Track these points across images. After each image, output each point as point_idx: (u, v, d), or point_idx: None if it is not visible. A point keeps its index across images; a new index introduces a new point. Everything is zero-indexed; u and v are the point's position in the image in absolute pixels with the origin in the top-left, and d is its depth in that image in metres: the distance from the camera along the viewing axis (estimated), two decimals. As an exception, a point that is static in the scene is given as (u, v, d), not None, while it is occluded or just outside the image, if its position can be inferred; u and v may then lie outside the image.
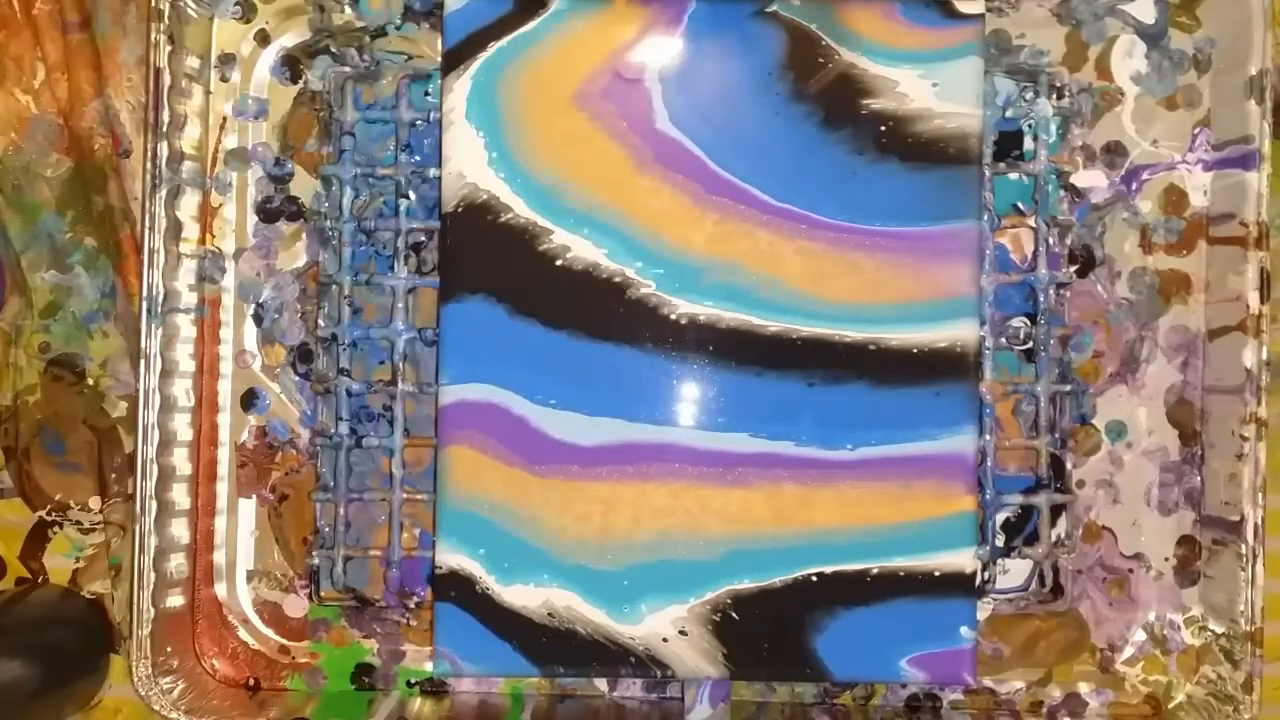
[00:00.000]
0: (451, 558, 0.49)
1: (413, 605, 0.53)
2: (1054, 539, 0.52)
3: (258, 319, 0.54)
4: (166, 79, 0.51)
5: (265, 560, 0.54)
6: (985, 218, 0.50)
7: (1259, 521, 0.50)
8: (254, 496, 0.54)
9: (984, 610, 0.52)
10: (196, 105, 0.53)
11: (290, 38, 0.54)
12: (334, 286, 0.52)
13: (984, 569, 0.50)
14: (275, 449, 0.54)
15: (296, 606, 0.54)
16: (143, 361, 0.51)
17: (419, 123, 0.52)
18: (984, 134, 0.50)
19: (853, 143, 0.49)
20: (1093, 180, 0.53)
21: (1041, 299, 0.51)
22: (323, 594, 0.53)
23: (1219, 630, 0.51)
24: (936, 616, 0.49)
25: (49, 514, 0.55)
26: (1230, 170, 0.51)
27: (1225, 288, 0.51)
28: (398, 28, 0.53)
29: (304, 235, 0.54)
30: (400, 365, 0.52)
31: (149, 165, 0.51)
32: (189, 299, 0.53)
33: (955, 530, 0.49)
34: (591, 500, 0.49)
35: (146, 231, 0.51)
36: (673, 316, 0.49)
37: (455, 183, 0.49)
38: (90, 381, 0.55)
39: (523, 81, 0.49)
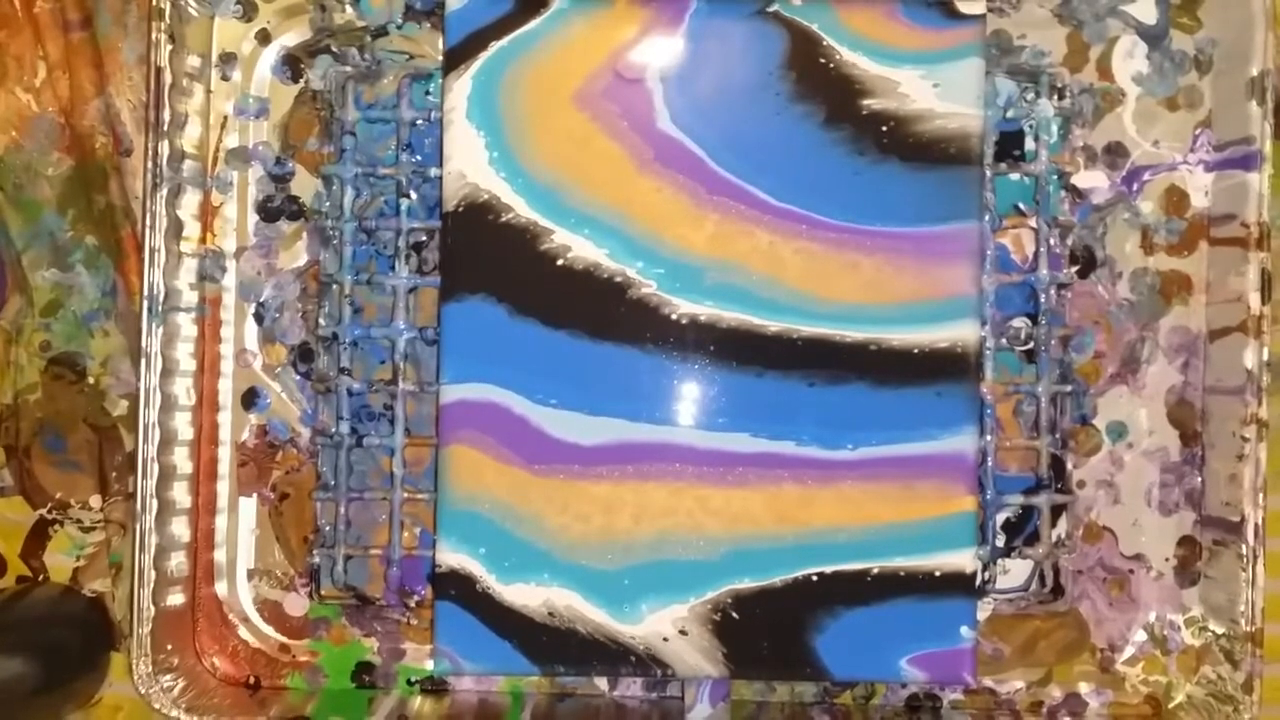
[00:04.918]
0: (452, 557, 0.49)
1: (413, 604, 0.53)
2: (1054, 539, 0.52)
3: (258, 318, 0.54)
4: (167, 78, 0.51)
5: (266, 559, 0.54)
6: (986, 218, 0.50)
7: (1259, 522, 0.50)
8: (254, 495, 0.54)
9: (984, 610, 0.52)
10: (197, 104, 0.53)
11: (291, 37, 0.54)
12: (335, 286, 0.52)
13: (984, 569, 0.50)
14: (276, 448, 0.54)
15: (297, 605, 0.54)
16: (143, 360, 0.51)
17: (420, 122, 0.52)
18: (985, 134, 0.50)
19: (854, 143, 0.49)
20: (1094, 181, 0.53)
21: (1042, 299, 0.51)
22: (323, 592, 0.53)
23: (1219, 630, 0.51)
24: (937, 616, 0.49)
25: (50, 512, 0.55)
26: (1231, 171, 0.51)
27: (1226, 288, 0.51)
28: (399, 27, 0.53)
29: (305, 234, 0.54)
30: (401, 364, 0.52)
31: (150, 164, 0.51)
32: (190, 298, 0.53)
33: (955, 530, 0.49)
34: (592, 500, 0.49)
35: (147, 230, 0.51)
36: (674, 316, 0.49)
37: (456, 182, 0.49)
38: (91, 380, 0.55)
39: (524, 81, 0.49)
